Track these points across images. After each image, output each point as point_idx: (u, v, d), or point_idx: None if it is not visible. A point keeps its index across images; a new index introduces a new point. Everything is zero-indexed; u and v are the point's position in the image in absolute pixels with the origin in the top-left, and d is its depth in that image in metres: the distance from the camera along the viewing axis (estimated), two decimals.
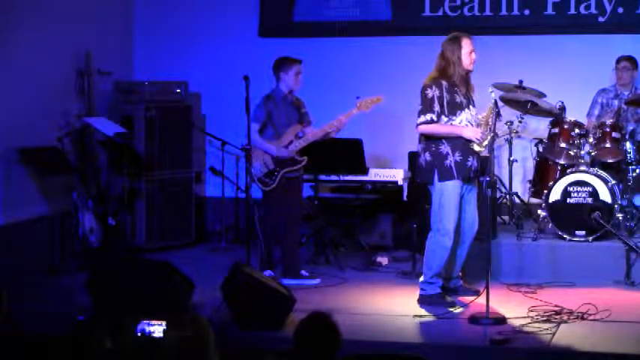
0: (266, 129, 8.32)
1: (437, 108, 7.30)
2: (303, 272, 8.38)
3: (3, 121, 8.69)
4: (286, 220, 8.36)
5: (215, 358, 4.59)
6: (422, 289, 7.50)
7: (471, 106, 7.43)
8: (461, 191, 7.41)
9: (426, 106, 7.33)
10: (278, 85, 8.36)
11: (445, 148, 7.34)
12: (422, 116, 7.34)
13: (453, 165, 7.33)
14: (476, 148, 7.33)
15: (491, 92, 7.35)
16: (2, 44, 8.78)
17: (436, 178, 7.36)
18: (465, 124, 7.36)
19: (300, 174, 8.47)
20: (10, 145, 8.82)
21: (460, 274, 7.69)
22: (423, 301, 7.47)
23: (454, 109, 7.34)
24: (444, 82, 7.33)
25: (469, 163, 7.37)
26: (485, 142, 7.30)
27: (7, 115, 8.71)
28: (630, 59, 9.26)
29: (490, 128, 7.29)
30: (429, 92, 7.32)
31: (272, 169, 8.26)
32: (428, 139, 7.42)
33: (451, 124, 7.34)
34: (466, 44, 7.36)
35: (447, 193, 7.35)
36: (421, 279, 7.54)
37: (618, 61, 9.29)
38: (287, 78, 8.31)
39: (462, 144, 7.33)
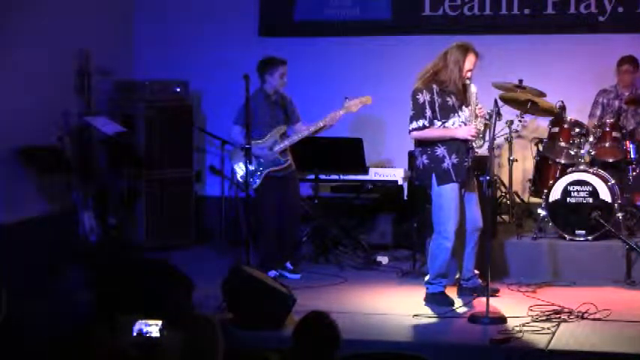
0: (251, 130, 8.22)
1: (428, 113, 7.32)
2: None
3: (3, 121, 8.68)
4: (285, 218, 8.38)
5: (220, 358, 4.58)
6: (426, 287, 7.55)
7: (464, 107, 7.41)
8: (460, 192, 7.40)
9: (418, 111, 7.34)
10: (262, 86, 8.32)
11: (441, 151, 7.35)
12: (414, 122, 7.36)
13: (450, 168, 7.34)
14: (475, 144, 7.33)
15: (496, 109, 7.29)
16: (2, 44, 8.78)
17: (434, 181, 7.37)
18: (457, 125, 7.36)
19: (291, 170, 8.43)
20: (10, 144, 8.81)
21: (477, 272, 7.65)
22: (426, 299, 7.51)
23: (446, 112, 7.35)
24: (435, 86, 7.33)
25: (466, 164, 7.38)
26: (481, 136, 7.31)
27: (7, 114, 8.71)
28: (632, 62, 9.21)
29: (484, 122, 7.31)
30: (420, 97, 7.34)
31: (255, 168, 8.23)
32: (423, 142, 7.43)
33: (444, 127, 7.35)
34: (470, 61, 7.32)
35: (446, 196, 7.35)
36: (426, 278, 7.58)
37: (620, 63, 9.24)
38: (272, 80, 8.29)
39: (456, 146, 7.34)
